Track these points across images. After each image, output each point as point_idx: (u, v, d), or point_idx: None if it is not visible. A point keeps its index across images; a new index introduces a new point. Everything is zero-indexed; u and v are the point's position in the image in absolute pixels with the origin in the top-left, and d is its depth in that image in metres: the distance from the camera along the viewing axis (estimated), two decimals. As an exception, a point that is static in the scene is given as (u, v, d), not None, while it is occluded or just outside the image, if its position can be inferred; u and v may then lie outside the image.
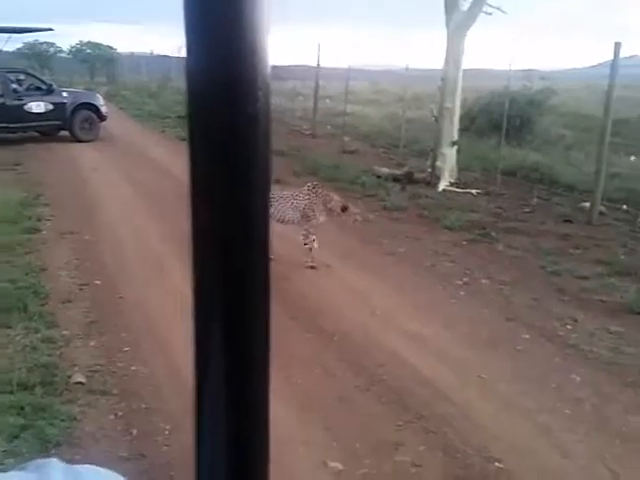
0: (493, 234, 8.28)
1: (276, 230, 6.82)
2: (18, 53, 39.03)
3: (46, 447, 3.55)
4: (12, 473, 0.59)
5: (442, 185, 11.18)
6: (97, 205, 9.41)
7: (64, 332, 5.07)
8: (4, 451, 3.50)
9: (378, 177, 11.49)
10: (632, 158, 12.99)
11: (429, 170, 11.62)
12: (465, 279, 6.69)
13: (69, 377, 4.36)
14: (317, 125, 17.97)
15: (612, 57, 8.89)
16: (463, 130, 12.96)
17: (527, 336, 5.36)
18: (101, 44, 43.76)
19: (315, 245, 7.00)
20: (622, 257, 7.42)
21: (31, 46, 40.83)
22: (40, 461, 0.60)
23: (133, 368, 4.59)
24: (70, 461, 0.63)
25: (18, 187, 10.15)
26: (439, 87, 12.02)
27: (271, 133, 0.39)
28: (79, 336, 5.05)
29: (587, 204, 9.37)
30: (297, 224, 6.93)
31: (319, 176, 10.77)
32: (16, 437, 3.62)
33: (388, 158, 14.24)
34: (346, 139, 15.90)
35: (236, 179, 0.38)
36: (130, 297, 5.91)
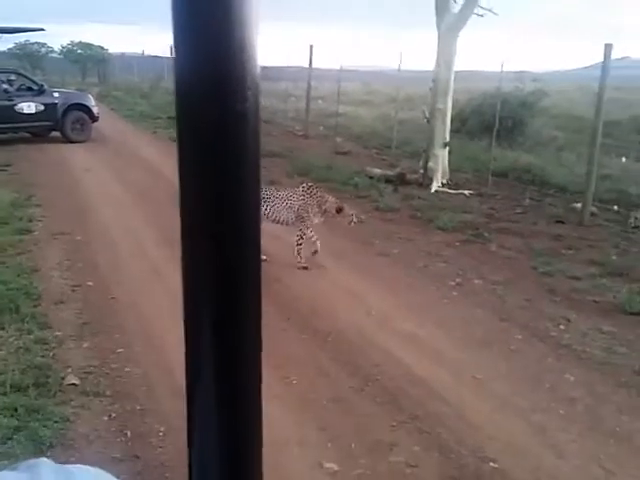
0: (486, 235, 8.30)
1: (271, 231, 6.83)
2: (9, 53, 38.90)
3: (40, 449, 3.53)
4: (2, 473, 0.58)
5: (434, 186, 11.20)
6: (89, 206, 9.37)
7: (57, 333, 5.05)
8: (-3, 453, 3.48)
9: (371, 178, 11.49)
10: (623, 159, 13.07)
11: (421, 171, 11.64)
12: (458, 280, 6.71)
13: (62, 378, 4.34)
14: (309, 126, 17.96)
15: (603, 59, 8.93)
16: (455, 131, 13.00)
17: (520, 336, 5.38)
18: (92, 44, 43.60)
19: (318, 246, 7.00)
20: (614, 257, 7.46)
21: (22, 46, 40.66)
22: (31, 461, 0.60)
23: (127, 369, 4.57)
24: (64, 463, 0.63)
25: (9, 188, 10.09)
26: (431, 88, 12.05)
27: (260, 132, 0.39)
28: (72, 337, 5.02)
29: (579, 205, 9.41)
30: (291, 225, 6.94)
31: (312, 177, 10.78)
32: (9, 439, 3.60)
33: (380, 159, 14.25)
34: (338, 140, 15.91)
35: (225, 177, 0.38)
36: (123, 298, 5.89)
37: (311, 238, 6.99)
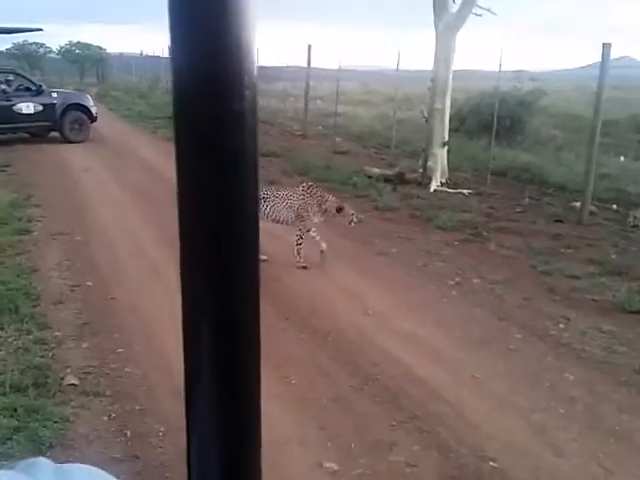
0: (485, 234, 8.31)
1: (270, 230, 6.83)
2: (7, 54, 38.92)
3: (39, 449, 3.53)
4: (0, 472, 0.58)
5: (433, 185, 11.20)
6: (88, 206, 9.36)
7: (56, 333, 5.05)
8: (-3, 453, 3.48)
9: (370, 177, 11.50)
10: (621, 158, 13.10)
11: (420, 170, 11.64)
12: (457, 279, 6.71)
13: (62, 379, 4.33)
14: (308, 126, 17.96)
15: (601, 58, 8.94)
16: (453, 131, 13.00)
17: (519, 335, 5.38)
18: (90, 44, 43.64)
19: (323, 246, 6.98)
20: (613, 256, 7.46)
21: (20, 46, 40.68)
22: (28, 460, 0.60)
23: (127, 369, 4.57)
24: (63, 463, 0.63)
25: (8, 188, 10.08)
26: (429, 88, 12.06)
27: (258, 131, 0.38)
28: (71, 337, 5.02)
29: (578, 204, 9.42)
30: (291, 224, 6.94)
31: (311, 176, 10.78)
32: (9, 439, 3.60)
33: (379, 158, 14.25)
34: (337, 139, 15.91)
35: (223, 175, 0.37)
36: (122, 298, 5.89)
37: (314, 238, 6.97)
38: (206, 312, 0.40)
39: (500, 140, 13.40)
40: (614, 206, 9.79)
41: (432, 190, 11.04)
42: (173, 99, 0.37)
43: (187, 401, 0.42)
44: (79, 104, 15.31)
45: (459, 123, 15.22)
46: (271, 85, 23.35)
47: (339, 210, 6.95)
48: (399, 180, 11.38)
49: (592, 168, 9.18)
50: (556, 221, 9.12)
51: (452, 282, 6.62)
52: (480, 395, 4.41)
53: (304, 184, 7.17)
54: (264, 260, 6.50)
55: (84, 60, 42.85)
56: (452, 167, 12.01)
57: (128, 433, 3.81)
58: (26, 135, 15.32)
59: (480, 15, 11.76)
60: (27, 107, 14.50)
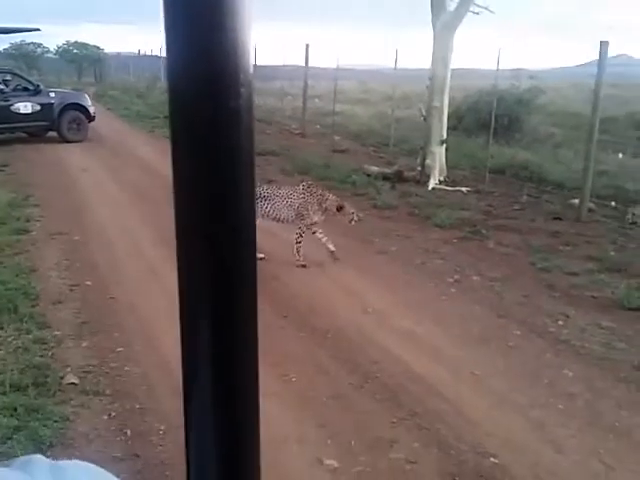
0: (483, 232, 8.31)
1: (267, 228, 6.83)
2: (5, 54, 38.89)
3: (40, 448, 3.52)
4: None
5: (432, 183, 11.21)
6: (86, 205, 9.36)
7: (56, 333, 5.05)
8: (-3, 452, 3.48)
9: (368, 176, 11.49)
10: (620, 155, 13.11)
11: (419, 168, 11.64)
12: (456, 276, 6.71)
13: (62, 378, 4.33)
14: (306, 124, 17.96)
15: (599, 56, 8.94)
16: (451, 129, 13.00)
17: (519, 332, 5.39)
18: (88, 44, 43.59)
19: (332, 247, 6.96)
20: (612, 253, 7.47)
21: (18, 46, 40.63)
22: (25, 458, 0.59)
23: (126, 368, 4.57)
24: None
25: (6, 188, 10.07)
26: (427, 86, 12.06)
27: (254, 129, 0.39)
28: (71, 337, 5.02)
29: (576, 201, 9.43)
30: (291, 223, 6.93)
31: (309, 175, 10.79)
32: (9, 438, 3.60)
33: (378, 157, 14.25)
34: (336, 138, 15.91)
35: (219, 174, 0.38)
36: (121, 297, 5.89)
37: (321, 239, 6.96)
38: (203, 310, 0.40)
39: (498, 138, 13.41)
40: (612, 203, 9.80)
41: (430, 188, 11.04)
42: (169, 97, 0.37)
43: (185, 400, 0.42)
44: (77, 104, 15.30)
45: (457, 121, 15.21)
46: (268, 84, 23.32)
47: (339, 209, 6.95)
48: (398, 178, 11.38)
49: (590, 165, 9.18)
50: (555, 218, 9.12)
51: (451, 280, 6.62)
52: (479, 392, 4.41)
53: (304, 183, 7.18)
54: (261, 258, 6.50)
55: (82, 60, 42.79)
56: (450, 165, 12.01)
57: (128, 432, 3.81)
58: (24, 135, 15.31)
59: (478, 13, 11.77)
60: (25, 107, 14.48)
